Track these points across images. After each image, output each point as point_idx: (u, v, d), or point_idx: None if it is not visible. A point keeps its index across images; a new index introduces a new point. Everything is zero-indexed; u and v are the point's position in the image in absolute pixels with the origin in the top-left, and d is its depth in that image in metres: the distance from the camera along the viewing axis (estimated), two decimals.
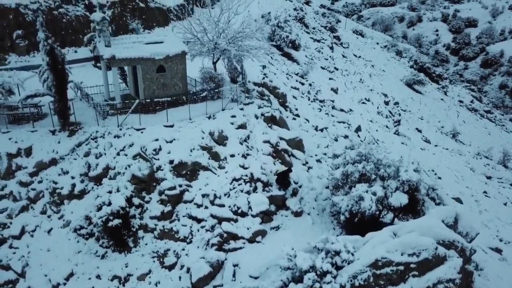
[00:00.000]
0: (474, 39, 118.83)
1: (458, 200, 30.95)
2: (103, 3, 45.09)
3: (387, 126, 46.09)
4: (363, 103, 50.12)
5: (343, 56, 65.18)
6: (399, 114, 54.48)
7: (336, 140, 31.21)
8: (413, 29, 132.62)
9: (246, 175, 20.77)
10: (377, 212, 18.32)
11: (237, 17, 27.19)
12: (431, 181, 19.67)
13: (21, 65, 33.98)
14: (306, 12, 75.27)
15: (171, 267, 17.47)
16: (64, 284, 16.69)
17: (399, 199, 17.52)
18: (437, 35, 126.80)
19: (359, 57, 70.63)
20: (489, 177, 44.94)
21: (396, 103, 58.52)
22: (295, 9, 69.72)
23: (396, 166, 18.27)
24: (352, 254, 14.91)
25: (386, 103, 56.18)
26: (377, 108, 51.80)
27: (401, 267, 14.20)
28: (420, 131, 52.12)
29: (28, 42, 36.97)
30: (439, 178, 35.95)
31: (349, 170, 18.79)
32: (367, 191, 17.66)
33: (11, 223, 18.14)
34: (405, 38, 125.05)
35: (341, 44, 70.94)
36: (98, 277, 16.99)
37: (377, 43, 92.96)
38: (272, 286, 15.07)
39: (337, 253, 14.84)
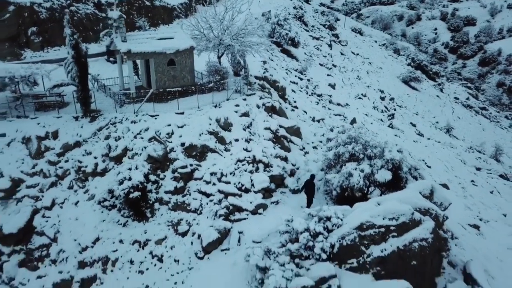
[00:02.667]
0: (472, 37, 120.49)
1: (445, 186, 33.00)
2: (111, 1, 47.52)
3: (381, 120, 48.31)
4: (360, 98, 52.29)
5: (341, 54, 67.36)
6: (394, 109, 56.57)
7: (331, 130, 33.44)
8: (412, 28, 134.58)
9: (249, 157, 23.10)
10: (365, 188, 20.69)
11: (240, 15, 29.64)
12: (413, 161, 22.01)
13: (38, 60, 36.36)
14: (305, 10, 77.45)
15: (184, 234, 19.82)
16: (92, 247, 19.11)
17: (384, 175, 19.84)
18: (436, 33, 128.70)
19: (357, 54, 72.74)
20: (478, 169, 46.97)
21: (392, 99, 60.62)
22: (294, 8, 71.95)
23: (381, 147, 20.63)
24: (341, 219, 17.28)
25: (382, 98, 58.35)
26: (373, 103, 53.98)
27: (383, 229, 16.53)
28: (414, 125, 54.03)
29: (42, 39, 39.34)
30: (429, 167, 38.19)
31: (341, 151, 21.15)
32: (355, 169, 19.99)
33: (43, 196, 20.54)
34: (404, 37, 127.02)
35: (340, 42, 73.13)
36: (121, 241, 19.38)
37: (375, 41, 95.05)
38: (272, 246, 17.43)
39: (328, 218, 17.21)
